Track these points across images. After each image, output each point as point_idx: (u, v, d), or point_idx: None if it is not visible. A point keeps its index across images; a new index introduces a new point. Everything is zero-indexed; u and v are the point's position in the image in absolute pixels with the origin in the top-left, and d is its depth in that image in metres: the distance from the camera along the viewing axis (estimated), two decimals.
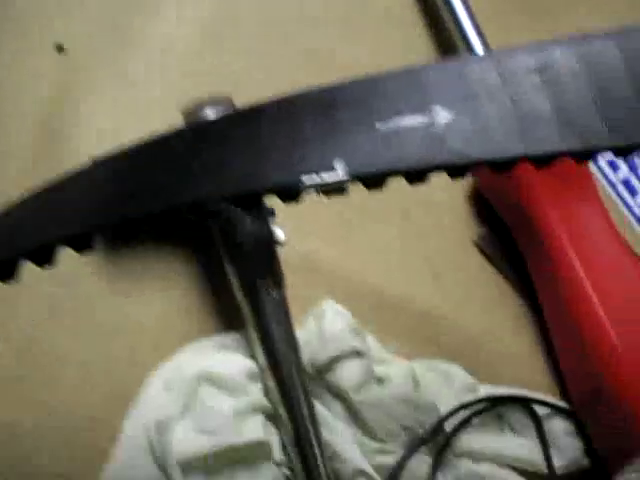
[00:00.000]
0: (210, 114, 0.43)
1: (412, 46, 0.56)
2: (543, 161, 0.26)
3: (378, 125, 0.26)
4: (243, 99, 0.50)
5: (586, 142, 0.26)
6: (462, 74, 0.27)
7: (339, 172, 0.26)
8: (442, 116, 0.26)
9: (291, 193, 0.26)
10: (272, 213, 0.44)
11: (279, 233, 0.44)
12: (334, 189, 0.26)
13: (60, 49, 0.50)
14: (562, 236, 0.45)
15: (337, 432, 0.43)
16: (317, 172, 0.26)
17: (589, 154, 0.26)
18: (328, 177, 0.26)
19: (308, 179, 0.26)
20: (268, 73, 0.52)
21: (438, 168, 0.26)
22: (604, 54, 0.27)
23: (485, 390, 0.46)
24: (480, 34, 0.52)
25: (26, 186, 0.46)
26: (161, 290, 0.46)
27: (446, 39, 0.55)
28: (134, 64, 0.51)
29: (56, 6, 0.51)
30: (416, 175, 0.26)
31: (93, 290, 0.45)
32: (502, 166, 0.26)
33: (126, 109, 0.49)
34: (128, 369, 0.43)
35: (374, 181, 0.26)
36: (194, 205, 0.26)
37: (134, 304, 0.45)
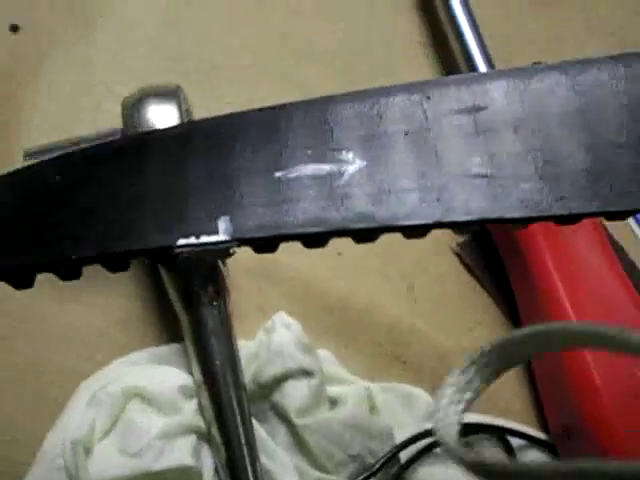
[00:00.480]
0: (152, 110, 0.39)
1: (403, 33, 0.51)
2: (459, 230, 0.22)
3: (277, 174, 0.22)
4: (205, 87, 0.47)
5: (525, 208, 0.22)
6: (381, 110, 0.23)
7: (220, 234, 0.22)
8: (350, 166, 0.22)
9: (165, 258, 0.23)
10: None
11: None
12: (217, 251, 0.22)
13: (15, 29, 0.47)
14: (546, 259, 0.41)
15: (276, 459, 0.39)
16: (196, 234, 0.22)
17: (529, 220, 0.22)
18: (208, 239, 0.22)
19: (184, 241, 0.22)
20: (233, 58, 0.48)
21: (337, 234, 0.22)
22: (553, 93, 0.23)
23: None
24: (483, 47, 0.47)
25: None
26: (101, 295, 0.42)
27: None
28: (91, 45, 0.47)
29: None
30: (312, 240, 0.22)
31: (27, 292, 0.42)
32: (413, 234, 0.22)
33: (78, 95, 0.46)
34: (58, 380, 0.40)
35: (262, 246, 0.22)
36: (51, 265, 0.23)
37: (70, 309, 0.42)
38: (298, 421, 0.39)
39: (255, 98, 0.43)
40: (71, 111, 0.45)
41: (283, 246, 0.43)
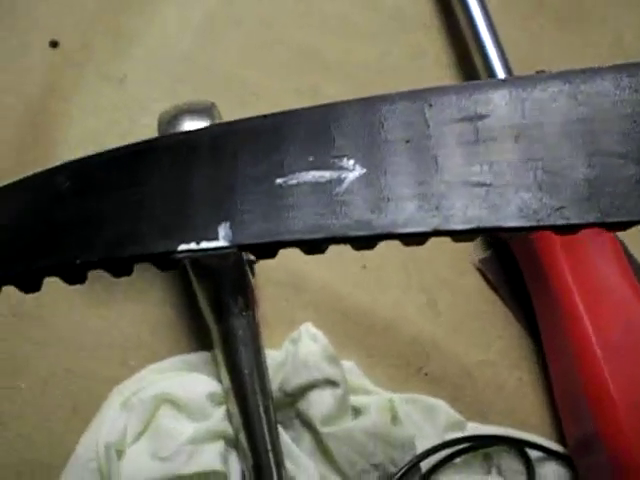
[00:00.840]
0: (187, 126, 0.41)
1: (424, 49, 0.52)
2: (460, 238, 0.23)
3: (278, 181, 0.23)
4: (238, 103, 0.49)
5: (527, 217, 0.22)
6: (382, 117, 0.24)
7: (220, 240, 0.23)
8: (350, 173, 0.23)
9: (166, 263, 0.24)
10: None
11: None
12: (217, 256, 0.23)
13: (54, 45, 0.48)
14: (567, 276, 0.42)
15: (301, 465, 0.40)
16: (196, 240, 0.23)
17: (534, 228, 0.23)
18: (207, 245, 0.23)
19: (185, 247, 0.23)
20: (265, 75, 0.49)
21: (335, 240, 0.23)
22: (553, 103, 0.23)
23: (473, 428, 0.43)
24: (500, 49, 0.48)
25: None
26: (133, 303, 0.44)
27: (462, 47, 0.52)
28: (127, 61, 0.49)
29: (52, 2, 0.49)
30: (312, 246, 0.23)
31: (60, 298, 0.43)
32: (410, 241, 0.23)
33: (114, 109, 0.47)
34: (91, 385, 0.42)
35: (262, 252, 0.23)
36: (56, 269, 0.24)
37: (103, 316, 0.43)
38: (323, 429, 0.40)
39: None
40: (107, 125, 0.47)
41: (309, 258, 0.45)
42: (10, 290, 0.41)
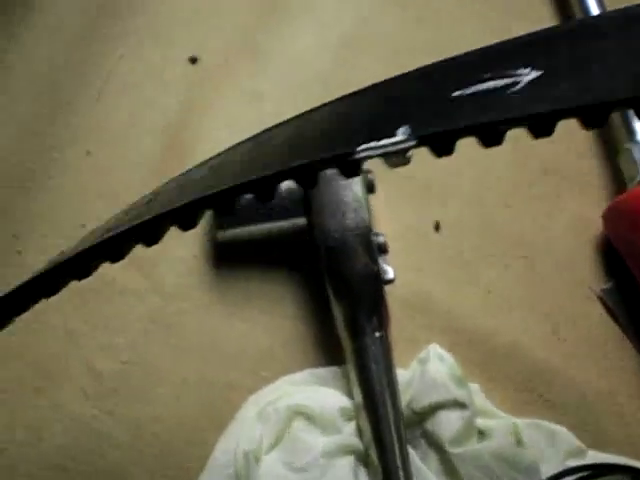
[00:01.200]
0: None
1: None
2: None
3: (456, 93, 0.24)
4: None
5: None
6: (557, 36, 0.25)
7: (399, 136, 0.24)
8: (527, 75, 0.24)
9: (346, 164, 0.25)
10: (384, 250, 0.43)
11: (389, 271, 0.42)
12: (396, 153, 0.24)
13: (193, 61, 0.50)
14: None
15: None
16: (376, 139, 0.24)
17: None
18: (387, 141, 0.24)
19: (364, 146, 0.24)
20: None
21: (516, 121, 0.23)
22: None
23: (593, 456, 0.44)
24: None
25: None
26: (267, 315, 0.45)
27: None
28: (263, 79, 0.50)
29: (193, 18, 0.51)
30: (490, 133, 0.23)
31: (198, 307, 0.45)
32: (594, 116, 0.23)
33: (251, 124, 0.49)
34: (225, 392, 0.43)
35: (440, 144, 0.24)
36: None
37: (238, 326, 0.45)
38: (451, 450, 0.41)
39: None
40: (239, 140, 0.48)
41: (439, 281, 0.46)
42: (148, 295, 0.43)
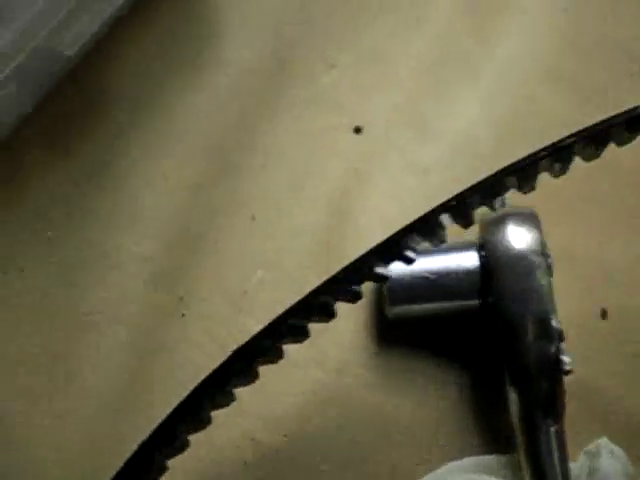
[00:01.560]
0: (511, 224, 0.41)
1: None
2: None
3: None
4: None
5: None
6: None
7: None
8: None
9: None
10: (562, 338, 0.41)
11: (568, 362, 0.41)
12: None
13: (358, 131, 0.50)
14: None
15: None
16: None
17: None
18: None
19: None
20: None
21: None
22: None
23: None
24: None
25: (318, 262, 0.47)
26: (432, 397, 0.44)
27: None
28: (428, 151, 0.50)
29: (356, 88, 0.51)
30: None
31: (360, 384, 0.44)
32: None
33: (415, 197, 0.48)
34: (388, 470, 0.42)
35: None
36: None
37: (401, 408, 0.44)
38: None
39: None
40: (405, 212, 0.48)
41: (609, 373, 0.44)
42: (310, 367, 0.43)
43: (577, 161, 0.36)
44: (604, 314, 0.47)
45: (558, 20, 0.53)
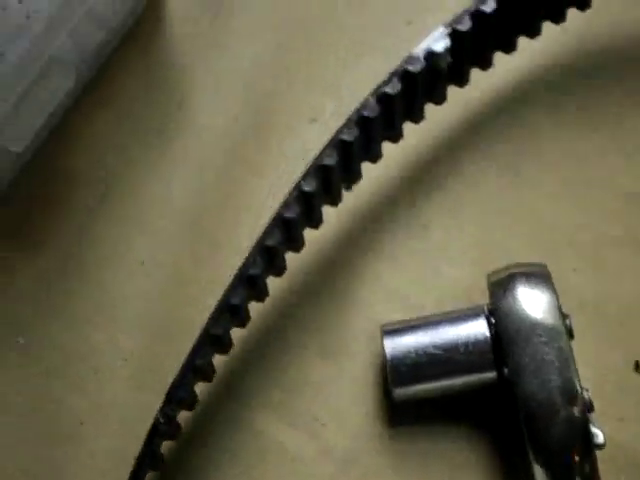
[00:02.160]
0: (522, 286, 0.37)
1: None
2: None
3: None
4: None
5: None
6: None
7: None
8: None
9: None
10: (591, 408, 0.37)
11: (599, 435, 0.36)
12: None
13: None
14: None
15: None
16: None
17: None
18: None
19: None
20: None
21: None
22: None
23: None
24: None
25: None
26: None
27: None
28: (466, 222, 0.46)
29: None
30: None
31: (370, 473, 0.40)
32: None
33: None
34: None
35: None
36: None
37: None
38: None
39: None
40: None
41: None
42: (317, 460, 0.39)
43: None
44: (638, 366, 0.42)
45: None
